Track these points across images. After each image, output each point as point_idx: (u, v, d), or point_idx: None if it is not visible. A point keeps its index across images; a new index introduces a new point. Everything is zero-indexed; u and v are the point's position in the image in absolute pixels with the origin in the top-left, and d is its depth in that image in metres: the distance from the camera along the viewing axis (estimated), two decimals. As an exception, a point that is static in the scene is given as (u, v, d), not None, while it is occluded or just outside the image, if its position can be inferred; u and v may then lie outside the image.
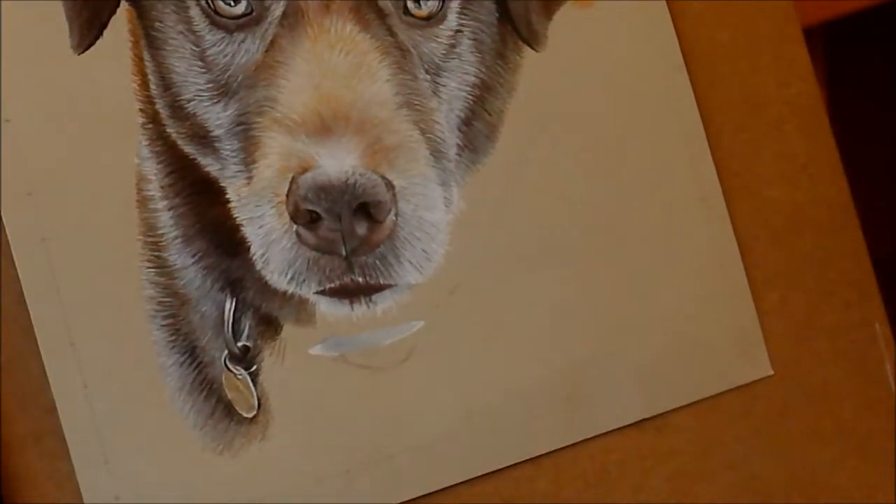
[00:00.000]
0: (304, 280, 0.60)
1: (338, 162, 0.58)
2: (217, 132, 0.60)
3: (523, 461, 0.64)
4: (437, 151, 0.61)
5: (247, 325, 0.62)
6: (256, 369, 0.62)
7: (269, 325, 0.62)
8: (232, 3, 0.60)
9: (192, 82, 0.61)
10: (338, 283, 0.60)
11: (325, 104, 0.59)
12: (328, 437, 0.62)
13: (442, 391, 0.63)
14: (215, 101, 0.60)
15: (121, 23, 0.61)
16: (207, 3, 0.60)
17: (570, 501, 0.65)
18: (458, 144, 0.63)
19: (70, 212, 0.60)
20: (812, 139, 0.69)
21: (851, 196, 0.70)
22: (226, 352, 0.62)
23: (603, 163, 0.66)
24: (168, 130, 0.61)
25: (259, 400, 0.62)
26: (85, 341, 0.60)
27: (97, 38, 0.60)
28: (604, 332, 0.65)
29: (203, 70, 0.60)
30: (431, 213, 0.60)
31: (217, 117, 0.60)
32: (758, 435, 0.67)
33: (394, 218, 0.59)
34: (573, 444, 0.64)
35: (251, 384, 0.62)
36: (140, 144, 0.61)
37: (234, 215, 0.61)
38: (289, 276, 0.60)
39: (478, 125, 0.64)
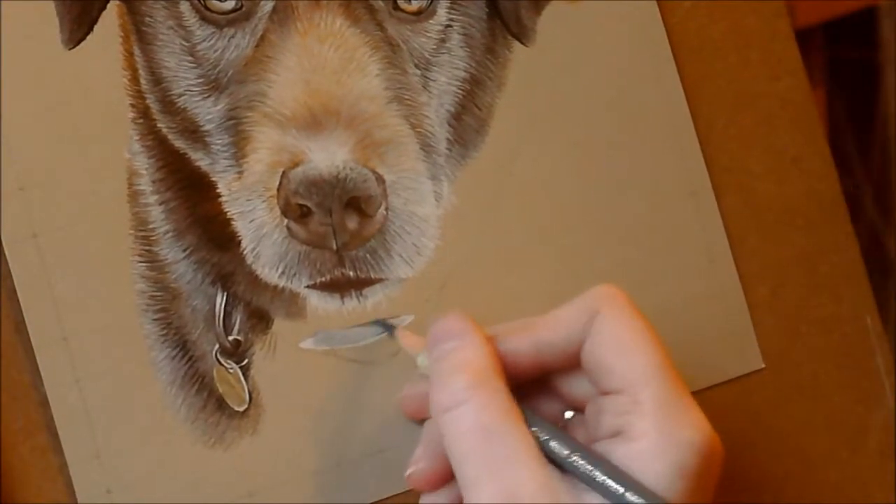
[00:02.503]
0: (294, 274, 0.60)
1: (328, 156, 0.58)
2: (208, 127, 0.61)
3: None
4: (427, 146, 0.62)
5: (238, 318, 0.63)
6: (248, 363, 0.62)
7: (260, 319, 0.63)
8: None
9: (182, 77, 0.61)
10: (328, 277, 0.60)
11: (315, 99, 0.59)
12: (319, 430, 0.62)
13: (432, 384, 0.63)
14: (206, 95, 0.61)
15: (111, 18, 0.61)
16: (197, -2, 0.60)
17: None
18: (448, 139, 0.63)
19: (61, 207, 0.61)
20: (802, 133, 0.69)
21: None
22: (217, 346, 0.62)
23: (593, 157, 0.66)
24: (159, 125, 0.62)
25: (250, 394, 0.62)
26: (77, 336, 0.60)
27: (87, 33, 0.61)
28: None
29: (193, 65, 0.61)
30: (422, 207, 0.61)
31: (208, 112, 0.61)
32: (749, 428, 0.67)
33: (384, 212, 0.59)
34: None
35: (242, 378, 0.62)
36: (131, 139, 0.62)
37: (226, 210, 0.61)
38: (280, 270, 0.60)
39: (468, 120, 0.64)
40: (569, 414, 0.55)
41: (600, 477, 0.49)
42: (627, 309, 0.53)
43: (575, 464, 0.50)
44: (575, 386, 0.54)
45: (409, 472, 0.56)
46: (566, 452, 0.50)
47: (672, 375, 0.51)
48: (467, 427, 0.50)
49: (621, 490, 0.49)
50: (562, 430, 0.53)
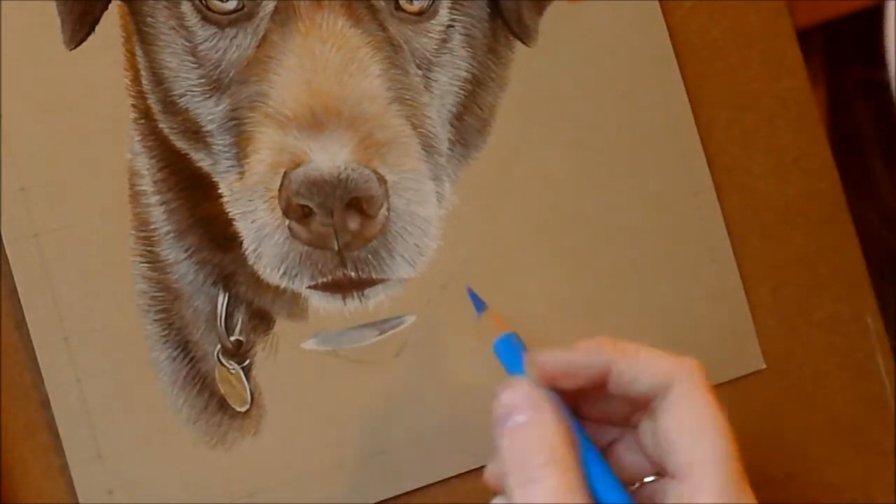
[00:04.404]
0: (296, 275, 0.60)
1: (330, 157, 0.58)
2: (209, 127, 0.61)
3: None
4: (428, 146, 0.61)
5: (239, 319, 0.63)
6: (249, 364, 0.62)
7: (261, 320, 0.63)
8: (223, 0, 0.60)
9: (184, 77, 0.61)
10: (330, 277, 0.60)
11: (317, 99, 0.59)
12: (320, 431, 0.62)
13: (434, 385, 0.63)
14: (207, 96, 0.61)
15: (112, 18, 0.61)
16: (199, -2, 0.60)
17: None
18: (449, 139, 0.63)
19: (62, 207, 0.60)
20: (803, 133, 0.69)
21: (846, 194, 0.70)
22: (219, 346, 0.62)
23: (595, 158, 0.66)
24: (160, 125, 0.62)
25: (252, 394, 0.62)
26: (78, 336, 0.60)
27: (89, 34, 0.61)
28: (595, 327, 0.65)
29: (195, 65, 0.61)
30: (423, 207, 0.61)
31: (209, 112, 0.61)
32: (750, 429, 0.67)
33: (386, 213, 0.59)
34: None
35: (244, 378, 0.62)
36: (132, 140, 0.62)
37: (227, 210, 0.61)
38: (281, 270, 0.60)
39: (469, 120, 0.64)
40: (647, 479, 0.55)
41: None
42: (703, 390, 0.52)
43: None
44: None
45: (487, 468, 0.55)
46: None
47: (734, 463, 0.51)
48: None
49: None
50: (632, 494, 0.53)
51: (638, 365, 0.52)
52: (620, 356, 0.53)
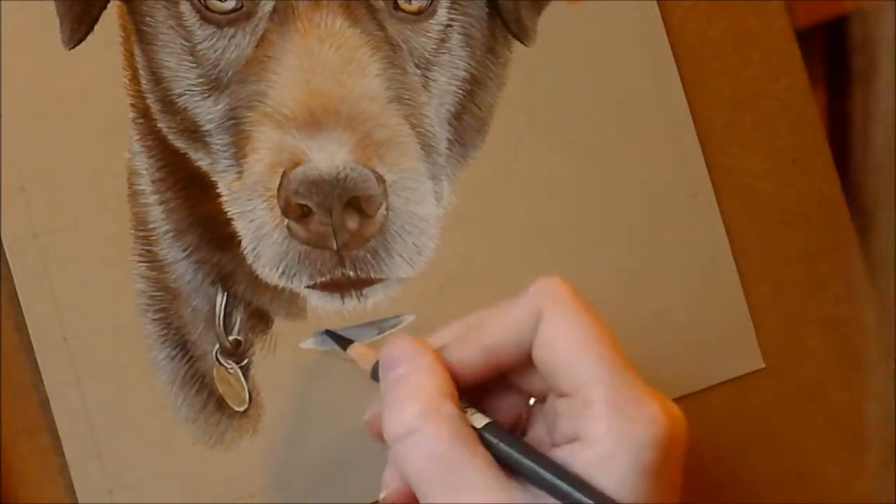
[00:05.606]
0: (295, 274, 0.60)
1: (329, 156, 0.58)
2: (208, 127, 0.61)
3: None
4: (427, 146, 0.62)
5: (238, 318, 0.63)
6: (248, 363, 0.62)
7: (260, 319, 0.63)
8: None
9: (182, 77, 0.61)
10: (329, 277, 0.60)
11: (316, 99, 0.59)
12: (319, 430, 0.62)
13: (433, 384, 0.63)
14: (206, 95, 0.61)
15: (111, 18, 0.61)
16: (198, -2, 0.60)
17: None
18: (448, 139, 0.63)
19: (61, 207, 0.61)
20: (802, 134, 0.69)
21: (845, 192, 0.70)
22: (217, 346, 0.62)
23: (593, 158, 0.66)
24: (159, 125, 0.62)
25: (250, 394, 0.62)
26: (77, 336, 0.60)
27: (88, 33, 0.61)
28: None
29: (194, 65, 0.61)
30: (422, 207, 0.61)
31: (208, 112, 0.61)
32: (749, 428, 0.67)
33: (385, 212, 0.59)
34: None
35: (242, 378, 0.62)
36: (131, 139, 0.62)
37: (226, 209, 0.61)
38: (280, 270, 0.60)
39: (468, 120, 0.64)
40: (532, 401, 0.54)
41: (562, 486, 0.49)
42: (572, 306, 0.51)
43: (535, 475, 0.50)
44: (532, 382, 0.53)
45: (382, 496, 0.55)
46: (526, 463, 0.50)
47: (622, 371, 0.50)
48: (421, 456, 0.49)
49: (583, 498, 0.48)
50: (520, 437, 0.53)
51: (505, 326, 0.52)
52: (485, 335, 0.52)
